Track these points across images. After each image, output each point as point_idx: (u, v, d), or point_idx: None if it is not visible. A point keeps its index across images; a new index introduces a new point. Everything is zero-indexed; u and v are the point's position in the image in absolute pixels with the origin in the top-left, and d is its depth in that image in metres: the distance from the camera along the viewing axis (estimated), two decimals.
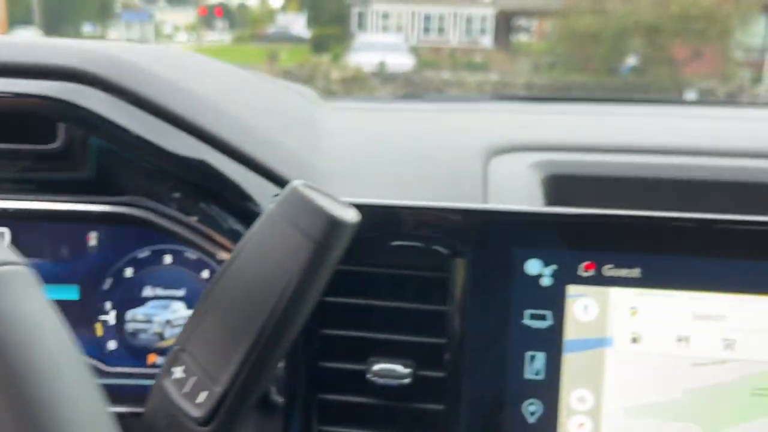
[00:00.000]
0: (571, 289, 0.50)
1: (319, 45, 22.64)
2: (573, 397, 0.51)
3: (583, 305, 0.50)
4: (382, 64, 14.23)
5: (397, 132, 0.72)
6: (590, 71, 15.40)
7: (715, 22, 13.31)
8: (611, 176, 0.62)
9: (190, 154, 0.55)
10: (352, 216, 0.41)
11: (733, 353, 0.49)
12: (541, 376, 0.51)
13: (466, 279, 0.51)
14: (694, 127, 0.74)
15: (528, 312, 0.51)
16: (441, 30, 24.34)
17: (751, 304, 0.49)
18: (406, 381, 0.52)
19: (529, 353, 0.51)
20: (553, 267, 0.50)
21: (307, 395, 0.54)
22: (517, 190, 0.59)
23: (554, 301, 0.50)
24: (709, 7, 13.30)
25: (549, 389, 0.51)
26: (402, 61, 15.12)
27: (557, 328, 0.50)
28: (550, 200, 0.62)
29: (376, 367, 0.52)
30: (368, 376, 0.53)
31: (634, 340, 0.50)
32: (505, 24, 23.29)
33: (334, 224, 0.39)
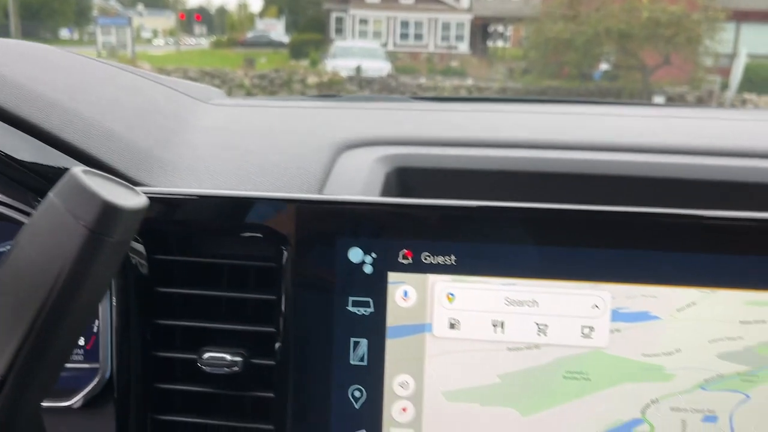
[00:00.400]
0: (392, 276, 0.51)
1: (297, 50, 22.66)
2: (395, 383, 0.52)
3: (403, 292, 0.51)
4: (358, 69, 14.27)
5: (262, 127, 0.73)
6: (564, 77, 15.55)
7: (684, 28, 13.53)
8: (455, 169, 0.64)
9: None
10: (134, 203, 0.41)
11: (545, 338, 0.51)
12: (364, 362, 0.52)
13: (293, 268, 0.52)
14: (557, 123, 0.76)
15: (351, 299, 0.52)
16: (418, 36, 24.45)
17: (562, 290, 0.50)
18: (236, 369, 0.53)
19: (353, 339, 0.52)
20: (374, 255, 0.51)
21: (141, 385, 0.54)
22: (360, 183, 0.60)
23: (376, 288, 0.51)
24: (678, 14, 13.52)
25: (373, 375, 0.52)
26: (379, 66, 15.18)
27: (379, 315, 0.52)
28: (395, 193, 0.64)
29: (206, 355, 0.53)
30: (199, 365, 0.53)
31: (452, 326, 0.51)
32: (481, 30, 23.46)
33: (108, 210, 0.39)
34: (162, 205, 0.52)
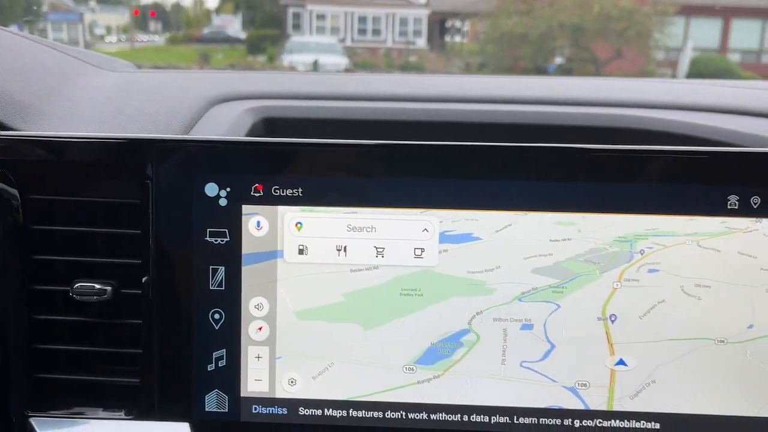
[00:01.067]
0: (245, 209, 0.57)
1: (254, 46, 22.48)
2: (251, 305, 0.57)
3: (256, 222, 0.57)
4: (315, 64, 14.25)
5: (147, 88, 0.78)
6: (519, 70, 15.72)
7: (634, 22, 13.84)
8: (315, 119, 0.70)
9: None
10: None
11: (383, 259, 0.57)
12: (222, 288, 0.57)
13: (155, 204, 0.57)
14: (415, 82, 0.83)
15: (209, 230, 0.57)
16: (376, 31, 24.49)
17: (396, 217, 0.56)
18: (106, 297, 0.58)
19: (212, 267, 0.57)
20: (228, 189, 0.56)
21: (20, 316, 0.59)
22: (225, 130, 0.65)
23: (231, 219, 0.57)
24: (628, 9, 13.82)
25: (230, 299, 0.57)
26: (335, 62, 15.17)
27: (235, 244, 0.57)
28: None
29: (77, 285, 0.58)
30: (71, 294, 0.58)
31: (301, 252, 0.57)
32: (438, 26, 23.59)
33: None
34: (33, 147, 0.56)
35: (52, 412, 0.59)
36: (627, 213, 0.55)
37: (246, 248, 0.57)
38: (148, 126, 0.64)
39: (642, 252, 0.55)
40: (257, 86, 0.76)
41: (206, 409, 0.57)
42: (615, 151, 0.54)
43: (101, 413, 0.58)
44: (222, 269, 0.57)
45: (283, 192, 0.56)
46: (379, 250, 0.57)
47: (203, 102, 0.69)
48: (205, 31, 30.52)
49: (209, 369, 0.57)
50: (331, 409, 0.57)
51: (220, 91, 0.71)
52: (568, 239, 0.55)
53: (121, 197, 0.58)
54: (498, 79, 0.90)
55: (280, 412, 0.58)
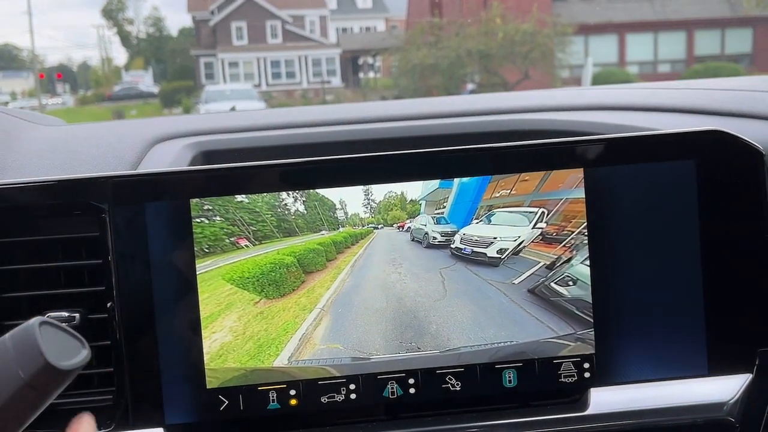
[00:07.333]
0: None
1: (168, 99, 22.31)
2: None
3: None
4: (232, 111, 14.24)
5: (88, 135, 0.83)
6: None
7: (537, 44, 14.54)
8: (246, 148, 0.78)
9: None
10: (74, 361, 0.42)
11: None
12: (182, 302, 0.63)
13: (112, 234, 0.62)
14: (335, 109, 0.93)
15: (163, 252, 0.63)
16: (290, 74, 24.73)
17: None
18: (75, 323, 0.62)
19: (170, 286, 0.63)
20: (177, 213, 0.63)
21: None
22: (169, 165, 0.71)
23: (182, 240, 0.63)
24: (530, 32, 14.51)
25: (190, 312, 0.63)
26: (253, 107, 15.22)
27: (189, 259, 0.63)
28: None
29: (47, 315, 0.62)
30: None
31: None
32: (351, 63, 24.04)
33: (48, 370, 0.40)
34: None
35: None
36: None
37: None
38: (97, 167, 0.69)
39: None
40: (191, 125, 0.83)
41: (177, 413, 0.62)
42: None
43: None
44: (180, 286, 0.63)
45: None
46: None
47: (144, 143, 0.75)
48: (116, 88, 30.05)
49: (176, 377, 0.63)
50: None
51: (157, 132, 0.77)
52: None
53: (80, 232, 0.63)
54: (397, 102, 1.02)
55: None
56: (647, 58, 19.76)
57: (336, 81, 23.80)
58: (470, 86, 16.21)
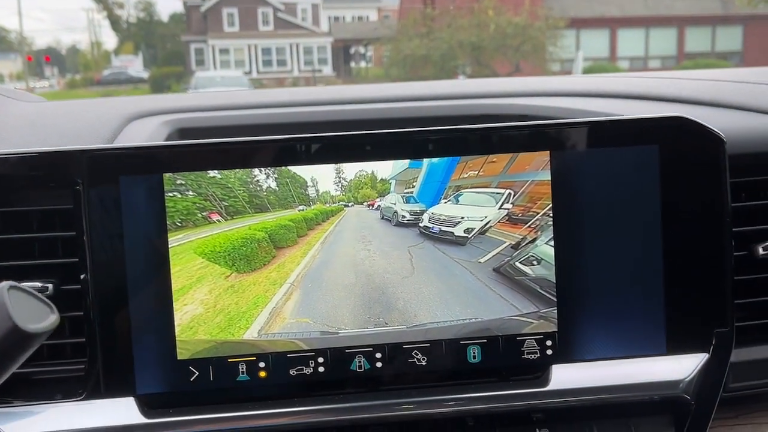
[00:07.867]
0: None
1: (158, 84, 22.18)
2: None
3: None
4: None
5: (68, 111, 0.84)
6: None
7: (528, 37, 14.56)
8: (221, 126, 0.79)
9: None
10: (42, 325, 0.44)
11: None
12: (154, 275, 0.64)
13: (86, 206, 0.63)
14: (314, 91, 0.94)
15: (136, 225, 0.64)
16: (282, 62, 24.62)
17: None
18: (48, 294, 0.63)
19: (143, 258, 0.64)
20: (150, 186, 0.64)
21: None
22: (145, 141, 0.72)
23: (155, 213, 0.64)
24: (521, 25, 14.53)
25: (161, 284, 0.64)
26: None
27: (161, 230, 0.64)
28: None
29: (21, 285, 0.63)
30: None
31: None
32: (343, 52, 23.96)
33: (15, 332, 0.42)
34: None
35: (8, 401, 0.64)
36: None
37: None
38: (74, 142, 0.70)
39: None
40: (169, 103, 0.84)
41: (148, 383, 0.63)
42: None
43: (54, 398, 0.63)
44: (153, 259, 0.64)
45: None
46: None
47: (121, 119, 0.75)
48: (106, 72, 29.79)
49: (148, 348, 0.64)
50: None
51: (135, 110, 0.78)
52: None
53: (55, 204, 0.64)
54: (372, 86, 1.03)
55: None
56: (638, 54, 19.84)
57: (327, 70, 23.72)
58: (461, 77, 16.21)
